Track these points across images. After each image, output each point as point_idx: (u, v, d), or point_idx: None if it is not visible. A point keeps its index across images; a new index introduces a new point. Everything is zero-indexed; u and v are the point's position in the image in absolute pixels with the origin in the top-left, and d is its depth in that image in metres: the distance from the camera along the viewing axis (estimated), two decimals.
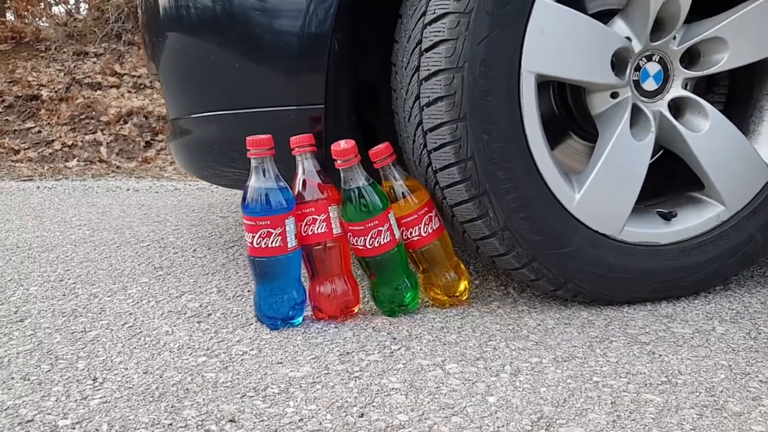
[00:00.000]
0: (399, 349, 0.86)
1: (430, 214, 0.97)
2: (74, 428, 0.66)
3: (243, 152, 0.91)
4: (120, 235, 1.65)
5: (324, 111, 0.96)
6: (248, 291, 1.12)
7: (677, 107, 1.02)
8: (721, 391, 0.73)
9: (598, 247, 0.96)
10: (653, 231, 1.01)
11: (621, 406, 0.70)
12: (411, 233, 0.97)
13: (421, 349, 0.85)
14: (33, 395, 0.74)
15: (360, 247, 0.93)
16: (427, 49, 0.88)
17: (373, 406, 0.70)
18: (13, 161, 3.33)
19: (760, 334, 0.90)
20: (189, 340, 0.90)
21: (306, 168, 0.94)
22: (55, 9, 4.84)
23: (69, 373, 0.79)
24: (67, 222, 1.84)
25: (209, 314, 1.00)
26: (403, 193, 0.96)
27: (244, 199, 0.90)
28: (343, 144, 0.92)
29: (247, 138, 0.89)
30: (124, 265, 1.33)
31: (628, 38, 0.95)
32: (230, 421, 0.67)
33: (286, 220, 0.89)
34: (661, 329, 0.92)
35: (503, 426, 0.66)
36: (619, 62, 0.96)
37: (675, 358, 0.82)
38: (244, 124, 1.01)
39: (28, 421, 0.68)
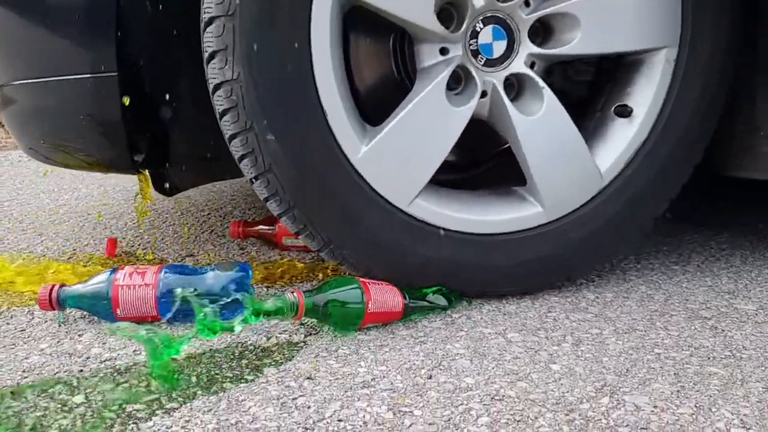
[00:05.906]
0: (460, 317, 0.89)
1: None
2: None
3: (49, 126, 0.95)
4: (179, 204, 1.72)
5: (117, 79, 0.92)
6: (313, 254, 1.16)
7: (546, 28, 0.91)
8: None
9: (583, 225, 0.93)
10: (619, 152, 0.92)
11: (684, 377, 0.71)
12: None
13: (482, 318, 0.88)
14: (126, 349, 0.80)
15: None
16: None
17: (440, 369, 0.74)
18: None
19: None
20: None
21: None
22: None
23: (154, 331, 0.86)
24: (128, 191, 1.93)
25: (276, 280, 1.05)
26: None
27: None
28: None
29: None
30: (188, 232, 1.40)
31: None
32: (308, 378, 0.72)
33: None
34: (722, 305, 0.92)
35: (568, 392, 0.69)
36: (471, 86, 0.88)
37: (739, 333, 0.82)
38: (47, 94, 0.97)
39: (125, 371, 0.74)
